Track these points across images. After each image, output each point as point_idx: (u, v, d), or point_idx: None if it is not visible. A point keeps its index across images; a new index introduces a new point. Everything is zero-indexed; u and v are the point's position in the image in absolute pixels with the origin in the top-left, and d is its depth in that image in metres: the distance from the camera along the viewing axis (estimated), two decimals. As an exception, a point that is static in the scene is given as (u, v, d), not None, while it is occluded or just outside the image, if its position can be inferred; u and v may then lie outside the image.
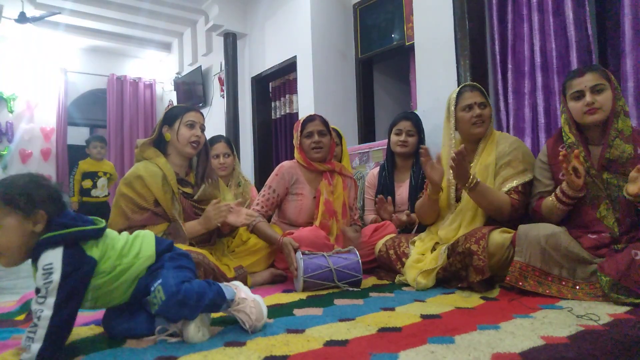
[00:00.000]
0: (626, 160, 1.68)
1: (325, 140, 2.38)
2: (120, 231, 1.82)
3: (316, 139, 2.35)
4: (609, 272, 1.50)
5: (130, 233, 1.81)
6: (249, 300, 1.28)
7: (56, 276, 1.08)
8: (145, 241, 1.32)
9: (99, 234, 1.22)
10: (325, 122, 2.41)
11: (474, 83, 2.14)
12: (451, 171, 1.90)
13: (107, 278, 1.20)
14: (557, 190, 1.77)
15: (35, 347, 1.04)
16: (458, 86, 2.24)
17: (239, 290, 1.32)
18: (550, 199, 1.80)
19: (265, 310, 1.31)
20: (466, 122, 2.05)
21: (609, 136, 1.70)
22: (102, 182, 4.22)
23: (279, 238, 2.09)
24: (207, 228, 1.92)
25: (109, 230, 1.29)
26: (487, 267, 1.69)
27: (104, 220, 1.27)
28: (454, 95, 2.10)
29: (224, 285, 1.30)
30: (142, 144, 1.98)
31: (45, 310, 1.06)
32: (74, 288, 1.11)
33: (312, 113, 2.48)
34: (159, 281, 1.20)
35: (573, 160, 1.65)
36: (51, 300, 1.07)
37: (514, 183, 1.92)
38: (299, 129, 2.39)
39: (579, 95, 1.74)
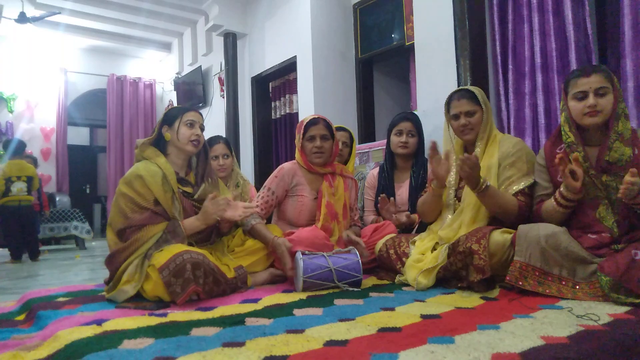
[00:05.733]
0: (625, 163, 1.68)
1: (327, 145, 2.33)
2: (119, 230, 1.84)
3: (318, 144, 2.30)
4: (609, 272, 1.50)
5: (130, 232, 1.83)
6: None
7: None
8: None
9: None
10: (328, 126, 2.35)
11: (466, 87, 2.15)
12: (451, 173, 1.88)
13: None
14: (556, 194, 1.76)
15: None
16: (458, 86, 2.25)
17: None
18: (550, 202, 1.79)
19: None
20: (455, 130, 2.10)
21: (609, 139, 1.69)
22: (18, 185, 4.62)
23: (272, 238, 2.08)
24: (206, 223, 1.92)
25: None
26: (488, 267, 1.69)
27: None
28: (445, 103, 2.14)
29: None
30: (141, 143, 1.99)
31: None
32: None
33: (316, 115, 2.39)
34: None
35: (571, 163, 1.64)
36: None
37: (521, 185, 1.92)
38: (302, 131, 2.35)
39: (583, 96, 1.72)
